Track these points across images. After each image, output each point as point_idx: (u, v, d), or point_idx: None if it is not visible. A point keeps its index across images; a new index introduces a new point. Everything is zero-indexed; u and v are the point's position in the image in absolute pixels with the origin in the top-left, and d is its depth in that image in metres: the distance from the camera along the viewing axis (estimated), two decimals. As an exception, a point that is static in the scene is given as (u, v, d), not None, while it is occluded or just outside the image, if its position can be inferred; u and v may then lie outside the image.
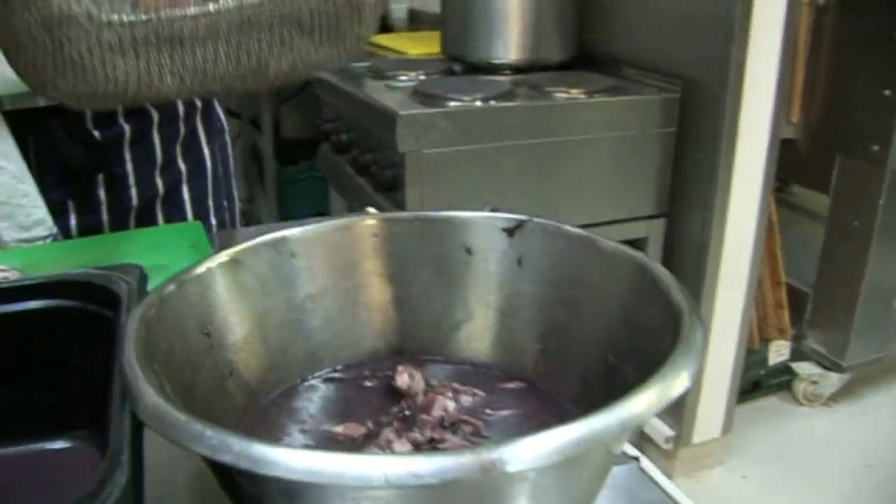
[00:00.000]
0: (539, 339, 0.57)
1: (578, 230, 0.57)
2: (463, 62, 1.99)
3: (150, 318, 0.47)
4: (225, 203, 1.09)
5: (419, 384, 0.55)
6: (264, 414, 0.54)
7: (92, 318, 0.53)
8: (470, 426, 0.52)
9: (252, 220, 3.19)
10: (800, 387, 2.28)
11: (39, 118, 0.91)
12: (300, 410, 0.54)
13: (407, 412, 0.53)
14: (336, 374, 0.58)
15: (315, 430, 0.53)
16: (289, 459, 0.33)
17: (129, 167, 0.99)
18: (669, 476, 2.11)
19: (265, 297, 0.56)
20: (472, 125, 1.60)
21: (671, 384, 0.39)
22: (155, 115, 1.00)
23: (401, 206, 1.59)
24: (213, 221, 1.07)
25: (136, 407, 0.39)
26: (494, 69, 1.95)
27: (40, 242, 0.92)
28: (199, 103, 1.05)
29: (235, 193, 1.12)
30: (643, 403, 0.38)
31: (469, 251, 0.59)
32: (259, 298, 0.55)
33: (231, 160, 1.11)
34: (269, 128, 2.93)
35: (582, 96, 1.73)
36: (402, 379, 0.55)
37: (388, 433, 0.51)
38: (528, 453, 0.34)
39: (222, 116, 1.10)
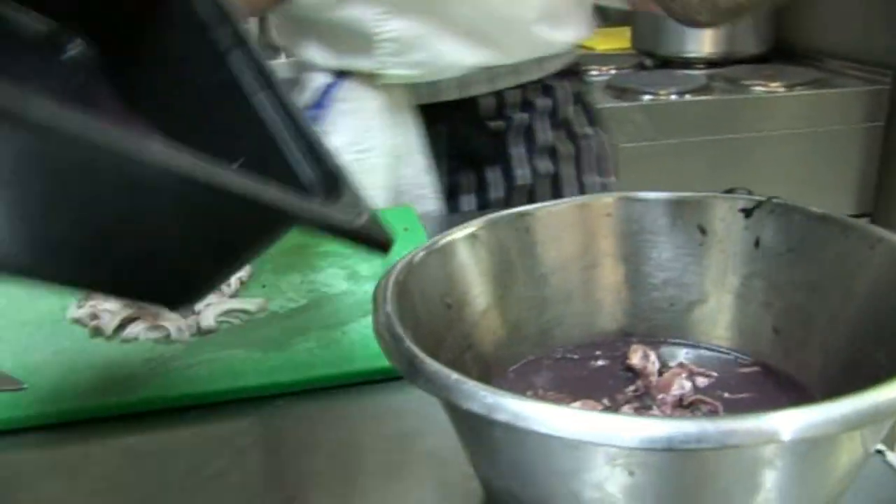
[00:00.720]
0: (776, 322, 0.55)
1: (821, 210, 0.55)
2: (654, 56, 1.96)
3: (401, 284, 0.49)
4: (606, 180, 1.18)
5: (654, 364, 0.55)
6: (499, 388, 0.55)
7: None
8: (708, 406, 0.52)
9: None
10: None
11: (447, 111, 1.01)
12: (534, 387, 0.55)
13: (643, 392, 0.53)
14: (568, 353, 0.58)
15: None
16: (567, 419, 0.34)
17: (519, 151, 1.05)
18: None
19: (503, 273, 0.57)
20: (667, 119, 1.58)
21: None
22: (539, 105, 1.08)
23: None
24: None
25: (408, 370, 0.40)
26: (687, 63, 1.91)
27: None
28: (571, 90, 1.14)
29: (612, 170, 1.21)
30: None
31: (704, 231, 0.58)
32: (497, 273, 0.56)
33: (606, 146, 1.20)
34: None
35: (781, 89, 1.67)
36: (637, 358, 0.55)
37: (627, 410, 0.51)
38: (813, 422, 0.33)
39: (594, 99, 1.20)
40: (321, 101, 1.01)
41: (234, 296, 0.83)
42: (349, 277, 0.85)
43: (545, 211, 0.58)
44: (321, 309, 0.78)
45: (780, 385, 0.54)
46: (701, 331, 0.58)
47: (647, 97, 1.58)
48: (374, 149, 0.97)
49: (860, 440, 0.41)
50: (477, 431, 0.42)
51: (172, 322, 0.78)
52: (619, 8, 1.26)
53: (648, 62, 1.96)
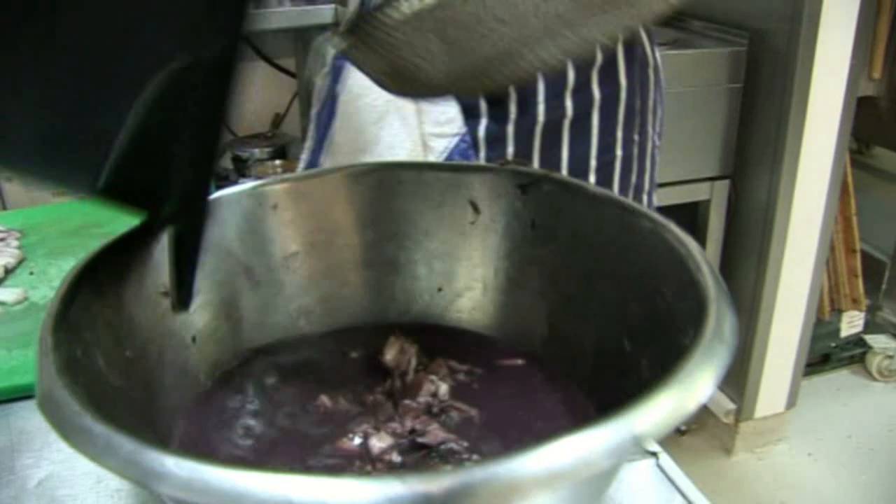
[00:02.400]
0: (549, 313, 0.50)
1: (603, 190, 0.49)
2: (517, 15, 1.90)
3: (84, 283, 0.41)
4: (636, 137, 1.04)
5: (410, 361, 0.48)
6: (226, 387, 0.48)
7: None
8: (459, 412, 0.45)
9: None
10: (874, 361, 2.15)
11: None
12: (270, 384, 0.48)
13: (391, 392, 0.47)
14: (319, 343, 0.51)
15: (282, 412, 0.46)
16: (185, 474, 0.27)
17: (540, 85, 0.96)
18: (729, 451, 2.02)
19: (240, 254, 0.49)
20: (523, 80, 1.52)
21: (682, 399, 0.31)
22: None
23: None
24: (619, 153, 1.03)
25: (36, 390, 0.33)
26: (550, 22, 1.85)
27: (450, 139, 0.95)
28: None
29: (653, 129, 1.07)
30: (644, 423, 0.30)
31: (476, 208, 0.52)
32: (232, 255, 0.49)
33: (652, 94, 1.06)
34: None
35: (642, 50, 1.63)
36: (392, 353, 0.49)
37: (365, 426, 0.44)
38: (479, 490, 0.27)
39: (648, 50, 1.05)
40: None
41: (-5, 284, 0.74)
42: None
43: (295, 184, 0.51)
44: (84, 298, 0.69)
45: (547, 383, 0.48)
46: (470, 319, 0.52)
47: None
48: None
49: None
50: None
51: (-87, 316, 0.69)
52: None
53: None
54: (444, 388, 0.46)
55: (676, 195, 1.70)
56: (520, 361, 0.49)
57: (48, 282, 0.73)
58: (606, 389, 0.45)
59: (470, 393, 0.47)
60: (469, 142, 0.96)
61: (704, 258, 0.41)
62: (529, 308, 0.50)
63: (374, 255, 0.53)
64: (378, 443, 0.41)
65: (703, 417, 2.01)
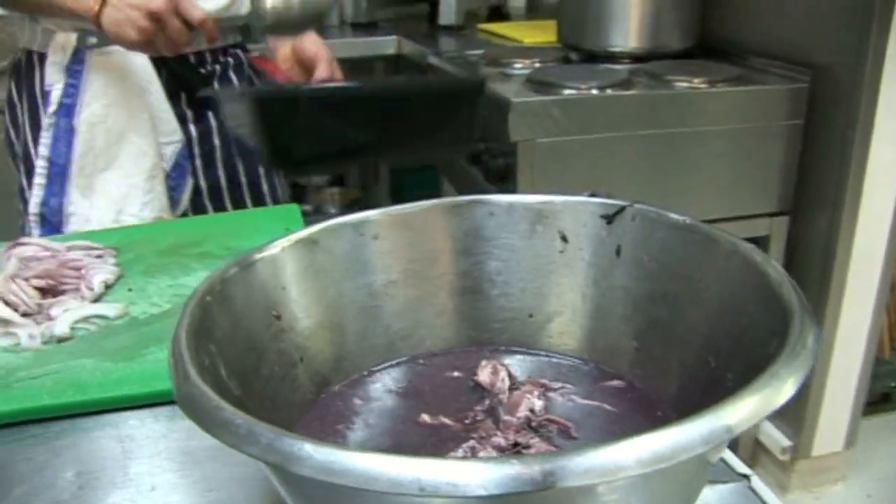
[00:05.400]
0: (636, 336, 0.52)
1: (683, 218, 0.52)
2: (580, 50, 1.93)
3: (212, 300, 0.45)
4: None
5: (504, 381, 0.51)
6: (332, 404, 0.51)
7: None
8: (558, 426, 0.48)
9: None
10: (934, 401, 2.12)
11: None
12: (373, 402, 0.51)
13: (490, 411, 0.50)
14: (416, 366, 0.54)
15: (387, 427, 0.49)
16: (321, 457, 0.30)
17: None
18: (785, 489, 2.01)
19: (343, 281, 0.53)
20: (587, 114, 1.54)
21: (768, 396, 0.34)
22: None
23: (508, 196, 1.55)
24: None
25: (174, 388, 0.36)
26: (612, 57, 1.88)
27: (175, 145, 1.25)
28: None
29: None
30: (734, 416, 0.33)
31: (565, 238, 0.54)
32: (337, 282, 0.52)
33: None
34: (383, 117, 2.93)
35: (703, 86, 1.65)
36: (485, 374, 0.51)
37: (471, 441, 0.47)
38: (590, 467, 0.29)
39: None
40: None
41: (96, 300, 0.78)
42: (221, 280, 0.80)
43: (393, 216, 0.54)
44: (182, 315, 0.73)
45: (638, 403, 0.50)
46: (560, 343, 0.55)
47: (567, 91, 1.55)
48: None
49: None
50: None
51: (24, 329, 0.73)
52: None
53: (574, 56, 1.93)
54: (539, 405, 0.49)
55: (736, 230, 1.69)
56: (614, 382, 0.52)
57: (147, 298, 0.77)
58: (693, 404, 0.47)
59: (563, 410, 0.49)
60: (184, 142, 1.25)
61: (786, 277, 0.43)
62: (616, 331, 0.53)
63: (467, 282, 0.56)
64: (485, 456, 0.44)
65: (758, 454, 1.99)
